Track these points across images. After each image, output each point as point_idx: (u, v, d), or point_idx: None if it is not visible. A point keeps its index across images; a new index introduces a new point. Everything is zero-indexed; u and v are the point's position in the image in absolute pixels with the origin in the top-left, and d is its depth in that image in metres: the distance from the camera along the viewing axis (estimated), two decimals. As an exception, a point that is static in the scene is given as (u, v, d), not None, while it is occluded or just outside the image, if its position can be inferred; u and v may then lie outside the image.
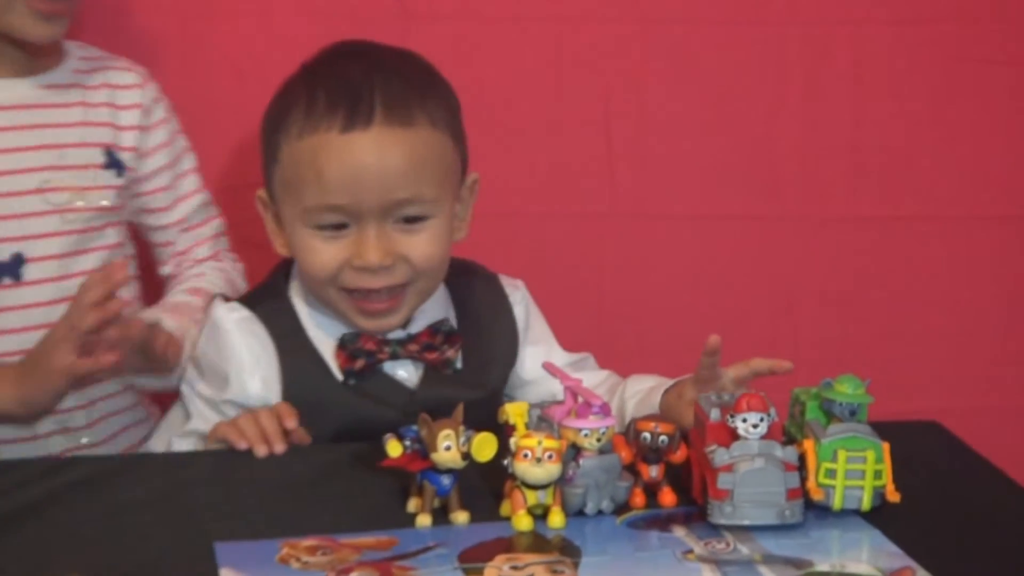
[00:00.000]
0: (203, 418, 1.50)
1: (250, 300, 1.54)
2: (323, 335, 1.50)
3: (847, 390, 1.29)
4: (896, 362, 1.90)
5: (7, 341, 1.54)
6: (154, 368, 1.51)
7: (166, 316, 1.53)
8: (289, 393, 1.48)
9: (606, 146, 1.91)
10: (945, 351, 1.95)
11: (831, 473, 1.24)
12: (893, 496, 1.24)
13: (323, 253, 1.44)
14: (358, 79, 1.45)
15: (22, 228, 1.57)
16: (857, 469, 1.25)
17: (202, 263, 1.69)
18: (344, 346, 1.49)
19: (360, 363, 1.48)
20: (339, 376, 1.49)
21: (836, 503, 1.23)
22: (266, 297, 1.54)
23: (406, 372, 1.51)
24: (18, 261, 1.57)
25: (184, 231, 1.69)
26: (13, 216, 1.56)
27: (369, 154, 1.42)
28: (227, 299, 1.54)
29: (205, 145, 1.85)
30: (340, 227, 1.43)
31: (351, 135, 1.41)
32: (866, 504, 1.24)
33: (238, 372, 1.48)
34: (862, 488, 1.24)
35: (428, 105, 1.45)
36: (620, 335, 1.95)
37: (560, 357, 1.60)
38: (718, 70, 1.92)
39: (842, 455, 1.24)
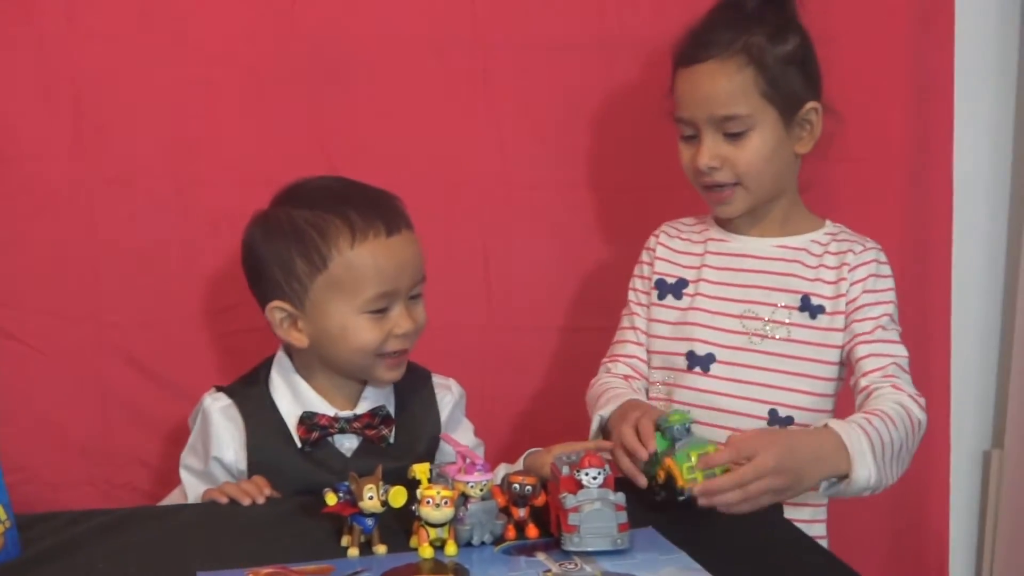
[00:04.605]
0: (196, 495, 1.71)
1: (233, 388, 1.76)
2: (291, 412, 1.71)
3: (678, 417, 1.55)
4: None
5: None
6: None
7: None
8: (253, 460, 1.70)
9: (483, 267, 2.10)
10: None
11: (692, 470, 1.48)
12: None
13: (373, 331, 1.67)
14: (376, 196, 1.70)
15: (717, 337, 1.81)
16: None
17: (887, 380, 1.73)
18: (303, 422, 1.70)
19: (315, 435, 1.70)
20: (298, 444, 1.69)
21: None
22: (248, 385, 1.76)
23: (349, 443, 1.71)
24: (710, 359, 1.82)
25: (861, 359, 1.75)
26: (715, 328, 1.82)
27: (406, 250, 1.69)
28: (219, 389, 1.74)
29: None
30: (382, 310, 1.67)
31: (394, 238, 1.67)
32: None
33: (218, 445, 1.72)
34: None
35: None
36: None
37: (470, 443, 1.81)
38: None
39: (693, 455, 1.49)
